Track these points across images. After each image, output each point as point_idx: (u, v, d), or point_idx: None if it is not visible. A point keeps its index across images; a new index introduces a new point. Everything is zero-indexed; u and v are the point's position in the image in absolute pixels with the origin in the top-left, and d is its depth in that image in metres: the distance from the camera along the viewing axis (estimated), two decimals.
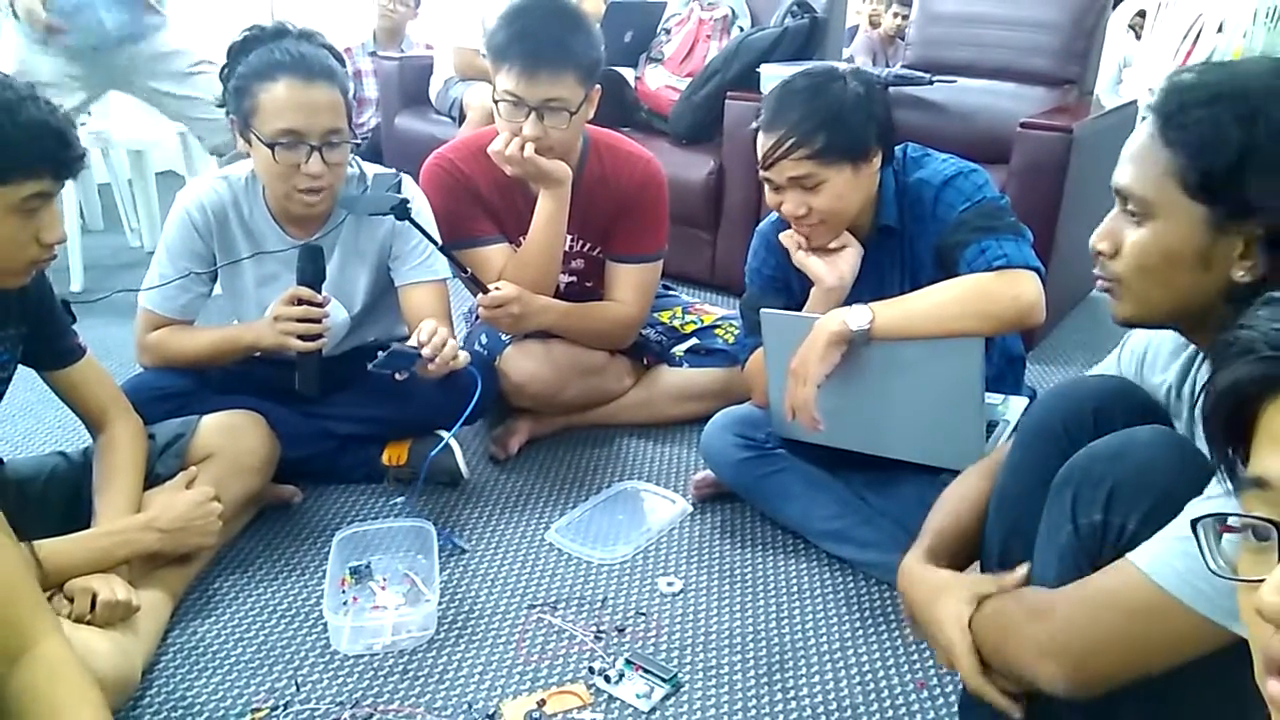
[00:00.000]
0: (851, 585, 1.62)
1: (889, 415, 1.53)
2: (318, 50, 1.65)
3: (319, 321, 1.67)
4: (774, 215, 1.70)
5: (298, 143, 1.61)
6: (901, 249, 1.60)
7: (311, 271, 1.69)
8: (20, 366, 1.48)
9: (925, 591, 1.08)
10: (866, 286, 1.60)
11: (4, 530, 1.04)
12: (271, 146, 1.61)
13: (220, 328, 1.82)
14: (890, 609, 1.55)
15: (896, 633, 1.50)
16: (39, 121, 1.21)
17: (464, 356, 1.65)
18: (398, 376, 1.61)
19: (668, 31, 3.29)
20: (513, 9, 1.84)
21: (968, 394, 1.46)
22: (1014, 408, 1.60)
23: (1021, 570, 1.01)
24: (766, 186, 1.57)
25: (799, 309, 1.65)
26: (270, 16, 1.70)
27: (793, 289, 1.70)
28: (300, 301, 1.67)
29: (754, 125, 1.56)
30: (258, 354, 1.76)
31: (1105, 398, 1.07)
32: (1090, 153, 2.55)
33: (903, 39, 3.75)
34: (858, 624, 1.52)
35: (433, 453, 1.77)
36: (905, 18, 5.52)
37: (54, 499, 1.53)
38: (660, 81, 3.21)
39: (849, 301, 1.55)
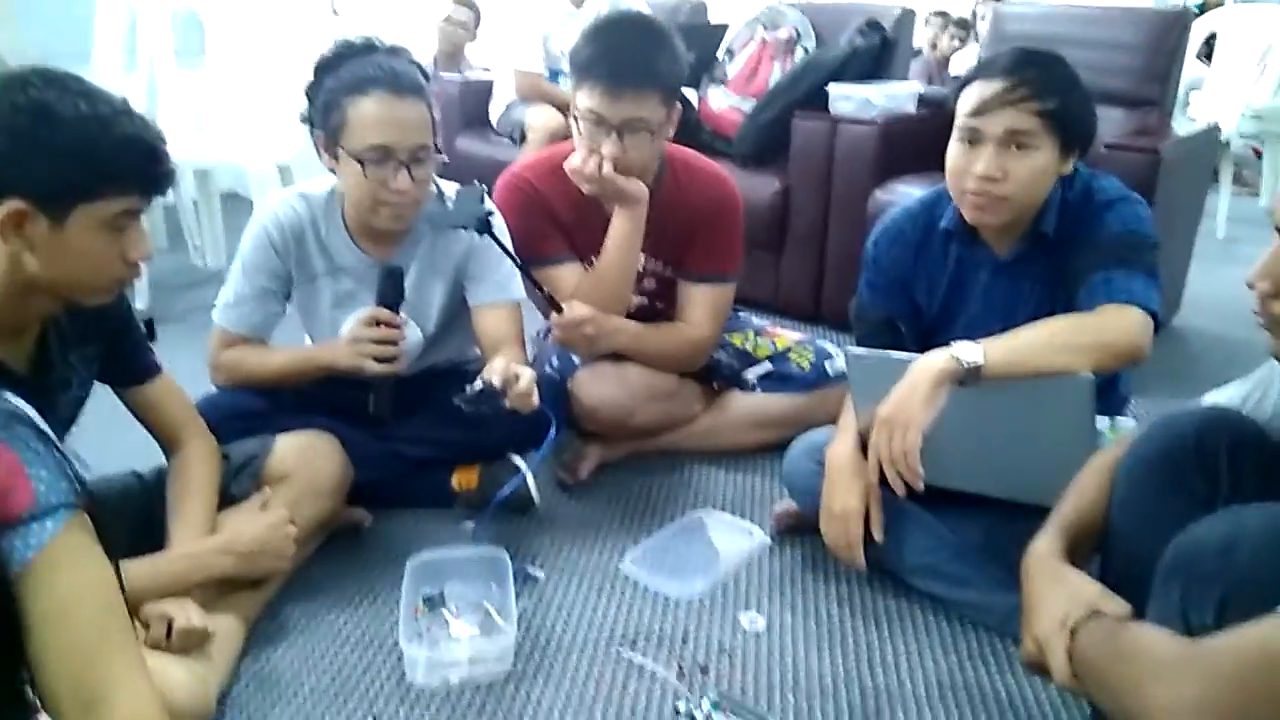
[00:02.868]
0: (946, 625, 1.54)
1: (991, 455, 1.45)
2: (407, 66, 1.64)
3: (396, 344, 1.64)
4: (905, 208, 1.64)
5: (387, 158, 1.59)
6: (1050, 263, 1.53)
7: (391, 293, 1.66)
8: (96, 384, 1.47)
9: (1043, 578, 1.06)
10: (1002, 298, 1.54)
11: (105, 561, 0.99)
12: (361, 162, 1.58)
13: (295, 347, 1.79)
14: (989, 653, 1.47)
15: (998, 679, 1.42)
16: (133, 137, 1.19)
17: (534, 395, 1.58)
18: (477, 409, 1.56)
19: (731, 53, 3.26)
20: (598, 24, 1.82)
21: (1078, 432, 1.37)
22: (1122, 429, 1.51)
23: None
24: (957, 143, 1.48)
25: (916, 313, 1.58)
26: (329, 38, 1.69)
27: (911, 289, 1.64)
28: (378, 323, 1.64)
29: (965, 76, 1.50)
30: (331, 375, 1.73)
31: (1208, 428, 1.06)
32: (1175, 175, 2.46)
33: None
34: (955, 667, 1.44)
35: (508, 490, 1.73)
36: (962, 40, 5.47)
37: (127, 519, 1.50)
38: (723, 103, 3.17)
39: (980, 321, 1.49)
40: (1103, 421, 1.53)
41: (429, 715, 1.33)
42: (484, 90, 3.73)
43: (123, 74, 3.12)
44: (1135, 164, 2.35)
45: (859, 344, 1.67)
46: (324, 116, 1.62)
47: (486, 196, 1.74)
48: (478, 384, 1.53)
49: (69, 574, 0.85)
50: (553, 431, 1.65)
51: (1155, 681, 0.85)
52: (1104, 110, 2.75)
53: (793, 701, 1.36)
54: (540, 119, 3.31)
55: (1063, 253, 1.51)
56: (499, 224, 1.77)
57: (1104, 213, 1.49)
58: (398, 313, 1.66)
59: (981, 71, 1.49)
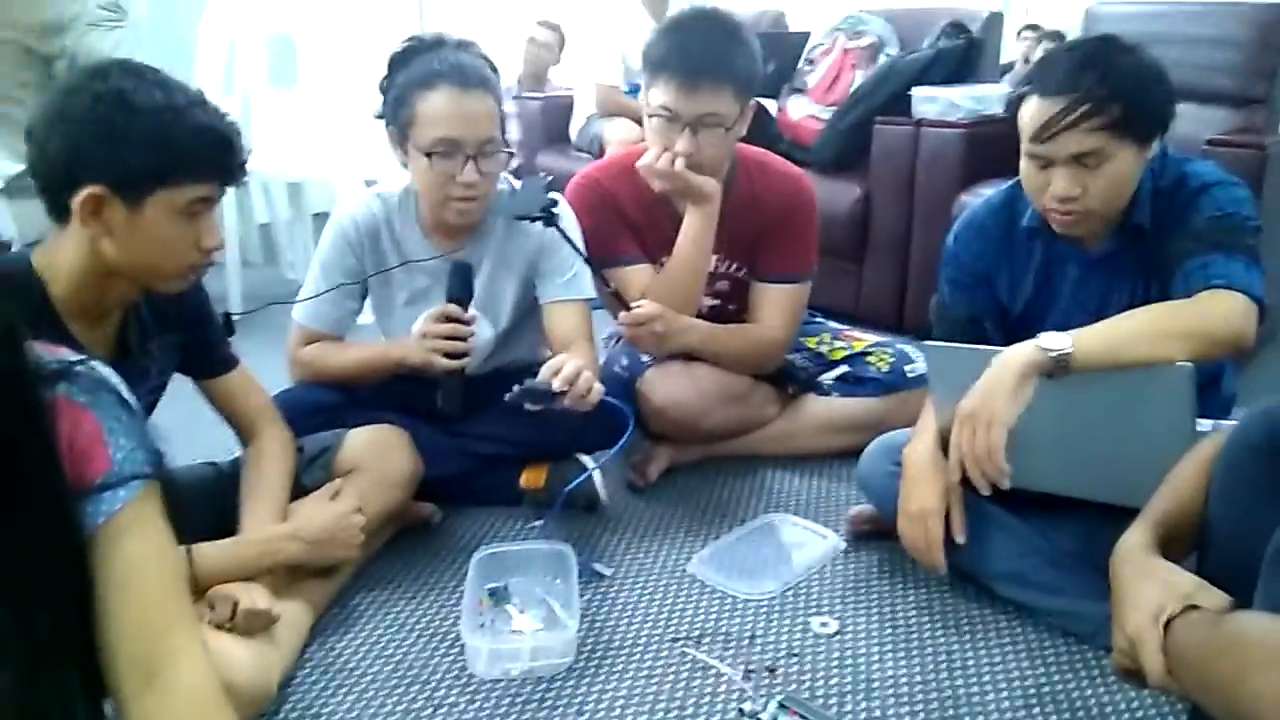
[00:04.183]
0: (1034, 635, 1.45)
1: (1083, 454, 1.37)
2: (475, 60, 1.66)
3: (465, 340, 1.64)
4: (986, 200, 1.58)
5: (454, 151, 1.60)
6: (1144, 255, 1.44)
7: (459, 288, 1.66)
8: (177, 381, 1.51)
9: (1133, 572, 0.98)
10: (1093, 293, 1.47)
11: (172, 536, 1.01)
12: (429, 155, 1.60)
13: (369, 343, 1.82)
14: (1081, 665, 1.38)
15: (1089, 689, 1.32)
16: (206, 126, 1.23)
17: (598, 391, 1.56)
18: (529, 407, 1.54)
19: (811, 62, 3.22)
20: (673, 20, 1.81)
21: (1178, 428, 1.27)
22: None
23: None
24: (1027, 163, 1.40)
25: (1000, 311, 1.52)
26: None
27: (994, 286, 1.57)
28: (447, 319, 1.64)
29: (1022, 90, 1.41)
30: (403, 372, 1.75)
31: None
32: None
33: None
34: (1043, 680, 1.35)
35: (574, 482, 1.70)
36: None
37: (203, 508, 1.52)
38: (803, 111, 3.13)
39: (1070, 318, 1.41)
40: (1205, 424, 1.43)
41: (489, 706, 1.31)
42: (565, 107, 3.78)
43: (221, 95, 3.26)
44: (1239, 161, 2.21)
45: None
46: (395, 111, 1.65)
47: (551, 188, 1.74)
48: (526, 382, 1.51)
49: (135, 544, 0.86)
50: (630, 427, 1.62)
51: (1264, 670, 0.77)
52: (1207, 110, 2.66)
53: (865, 706, 1.30)
54: (618, 133, 3.33)
55: (1157, 242, 1.42)
56: (568, 218, 1.77)
57: (1199, 197, 1.39)
58: (467, 309, 1.67)
59: (1037, 85, 1.38)
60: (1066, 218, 1.40)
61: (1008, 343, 1.43)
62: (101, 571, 0.85)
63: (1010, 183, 1.57)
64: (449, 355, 1.63)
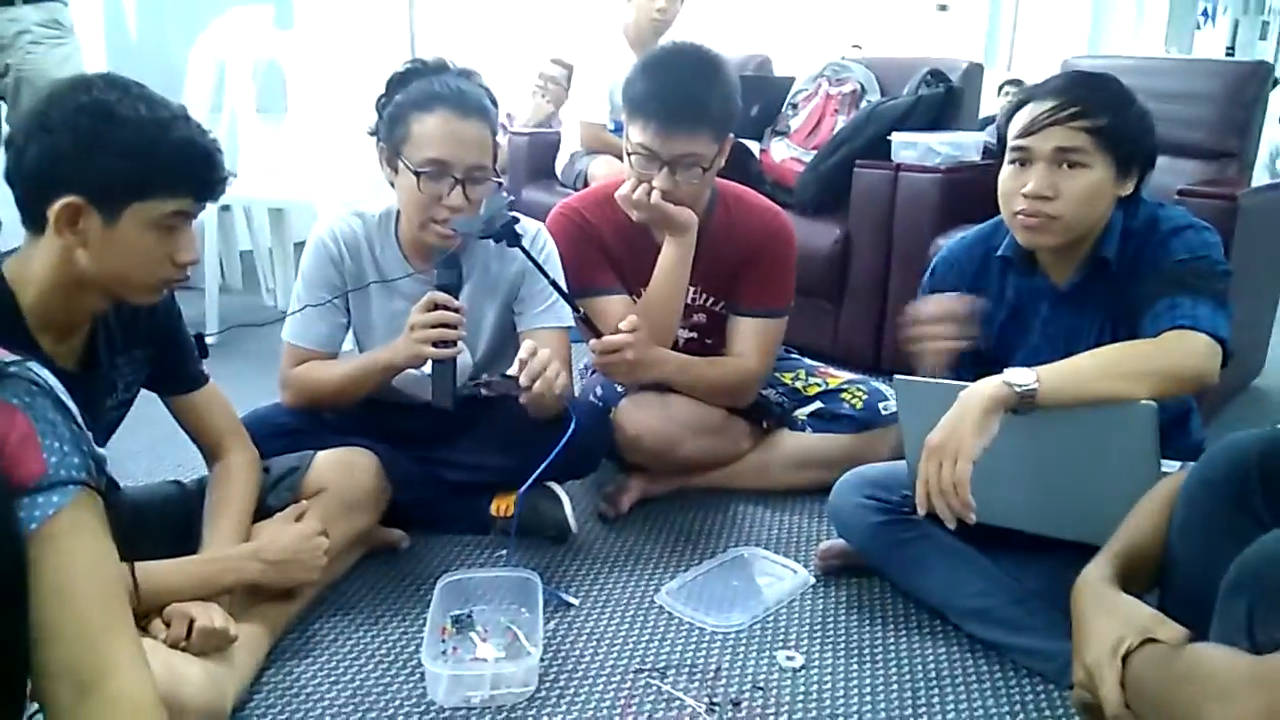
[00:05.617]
0: (999, 674, 1.44)
1: (1049, 491, 1.38)
2: (475, 88, 1.68)
3: (455, 328, 1.61)
4: (962, 237, 1.62)
5: (443, 173, 1.62)
6: (1112, 293, 1.47)
7: (448, 277, 1.65)
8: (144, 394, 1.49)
9: (1093, 605, 0.99)
10: (1061, 329, 1.48)
11: (111, 545, 0.99)
12: (418, 175, 1.61)
13: (357, 356, 1.78)
14: (1046, 705, 1.37)
15: None
16: (187, 141, 1.23)
17: (563, 380, 1.58)
18: (485, 392, 1.56)
19: (795, 106, 3.27)
20: (652, 59, 1.83)
21: (1142, 465, 1.28)
22: None
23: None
24: (1008, 165, 1.46)
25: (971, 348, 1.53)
26: None
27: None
28: (436, 307, 1.61)
29: (1016, 99, 1.48)
30: (376, 395, 1.73)
31: (1273, 450, 1.00)
32: (1256, 227, 2.36)
33: None
34: (1007, 715, 1.34)
35: (523, 489, 1.64)
36: None
37: (166, 526, 1.51)
38: (785, 154, 3.17)
39: (1039, 353, 1.43)
40: (1171, 465, 1.44)
41: None
42: (551, 143, 3.80)
43: (208, 120, 3.27)
44: (1211, 210, 2.24)
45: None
46: (389, 129, 1.66)
47: (537, 229, 1.75)
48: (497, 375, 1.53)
49: (70, 550, 0.84)
50: (573, 424, 1.59)
51: (1218, 701, 0.77)
52: (1179, 162, 2.71)
53: None
54: (603, 169, 3.35)
55: (1126, 282, 1.45)
56: (549, 249, 1.77)
57: (1170, 240, 1.42)
58: (456, 297, 1.64)
59: (1033, 94, 1.45)
60: (1033, 220, 1.42)
61: (978, 376, 1.44)
62: (35, 578, 0.82)
63: (990, 221, 1.60)
64: (439, 345, 1.61)
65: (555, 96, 4.27)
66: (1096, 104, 1.39)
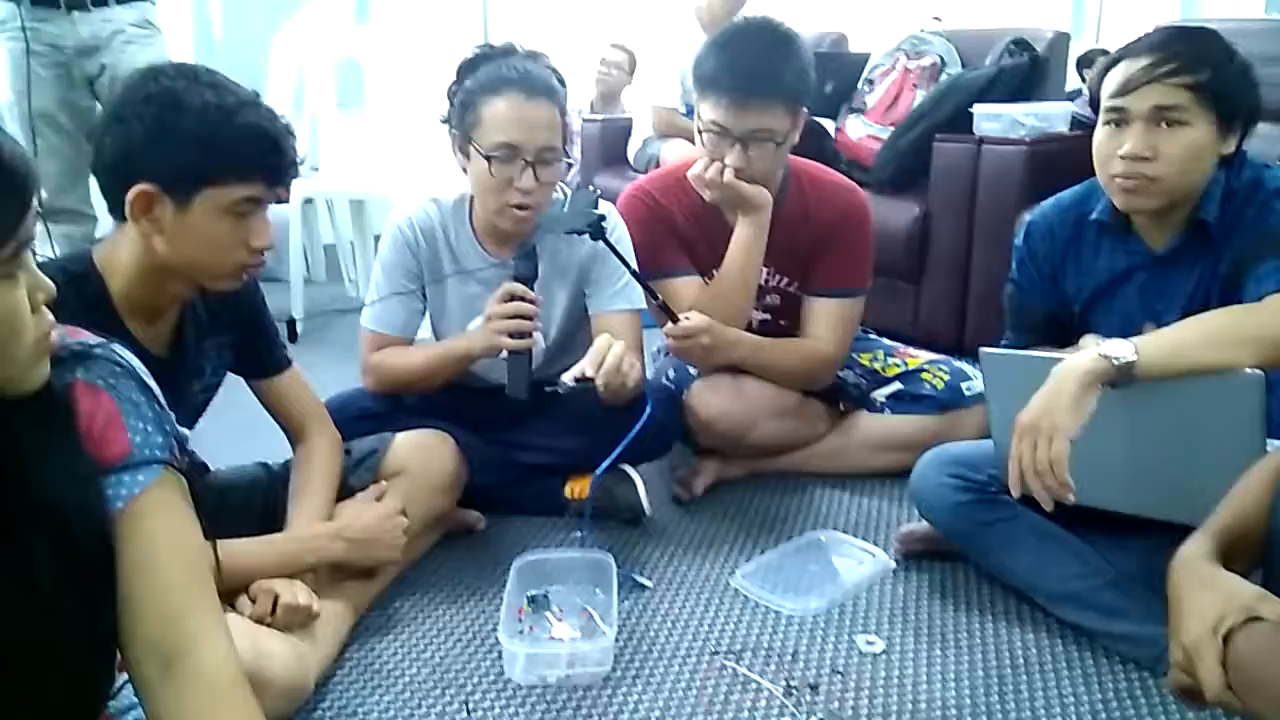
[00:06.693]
0: (1091, 660, 1.38)
1: (1147, 469, 1.30)
2: (543, 69, 1.68)
3: (531, 319, 1.63)
4: (1057, 200, 1.57)
5: (514, 156, 1.62)
6: (1208, 256, 1.40)
7: (525, 268, 1.66)
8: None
9: (1191, 582, 0.92)
10: (1156, 294, 1.42)
11: (195, 523, 1.02)
12: (489, 159, 1.62)
13: (434, 344, 1.81)
14: (1141, 693, 1.31)
15: (1148, 718, 1.25)
16: (255, 126, 1.24)
17: (636, 371, 1.58)
18: (561, 391, 1.57)
19: (871, 82, 3.19)
20: (724, 34, 1.81)
21: (1247, 440, 1.21)
22: None
23: None
24: (1103, 127, 1.39)
25: (1070, 314, 1.48)
26: None
27: (1062, 287, 1.54)
28: (512, 298, 1.63)
29: (1109, 58, 1.41)
30: (458, 380, 1.75)
31: None
32: None
33: None
34: (1100, 708, 1.28)
35: (599, 470, 1.63)
36: None
37: (253, 508, 1.55)
38: (861, 132, 3.10)
39: (1135, 320, 1.38)
40: (1275, 445, 1.36)
41: (524, 712, 1.29)
42: (623, 129, 3.80)
43: (291, 117, 3.36)
44: None
45: (1010, 337, 1.59)
46: (460, 116, 1.67)
47: (609, 210, 1.74)
48: (574, 371, 1.52)
49: (154, 528, 0.87)
50: (648, 410, 1.59)
51: None
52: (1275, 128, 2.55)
53: None
54: (675, 153, 3.33)
55: (1226, 245, 1.37)
56: (620, 231, 1.76)
57: (1275, 199, 1.34)
58: (532, 288, 1.66)
59: (1127, 52, 1.38)
60: (1131, 182, 1.35)
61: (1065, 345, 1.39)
62: (122, 555, 0.85)
63: (1085, 182, 1.54)
64: (515, 335, 1.62)
65: (617, 82, 4.26)
66: (1195, 58, 1.31)
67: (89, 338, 0.88)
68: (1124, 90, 1.34)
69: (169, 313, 1.37)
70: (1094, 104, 1.43)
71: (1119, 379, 1.22)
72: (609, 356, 1.53)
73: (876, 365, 2.04)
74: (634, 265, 1.72)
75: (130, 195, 1.20)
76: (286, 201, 3.01)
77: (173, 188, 1.21)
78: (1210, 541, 0.97)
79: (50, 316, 0.80)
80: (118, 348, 0.90)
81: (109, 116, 1.23)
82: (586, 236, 1.69)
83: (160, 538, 0.88)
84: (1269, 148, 2.35)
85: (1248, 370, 1.18)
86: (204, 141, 1.19)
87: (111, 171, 1.22)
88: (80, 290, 1.25)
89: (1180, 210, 1.39)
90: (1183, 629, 0.89)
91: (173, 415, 0.92)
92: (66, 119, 2.51)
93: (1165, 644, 1.18)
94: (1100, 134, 1.40)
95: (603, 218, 1.64)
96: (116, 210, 1.25)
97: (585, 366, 1.54)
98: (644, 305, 1.82)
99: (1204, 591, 0.89)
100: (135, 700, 0.90)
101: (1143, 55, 1.34)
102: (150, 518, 0.87)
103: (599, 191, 1.71)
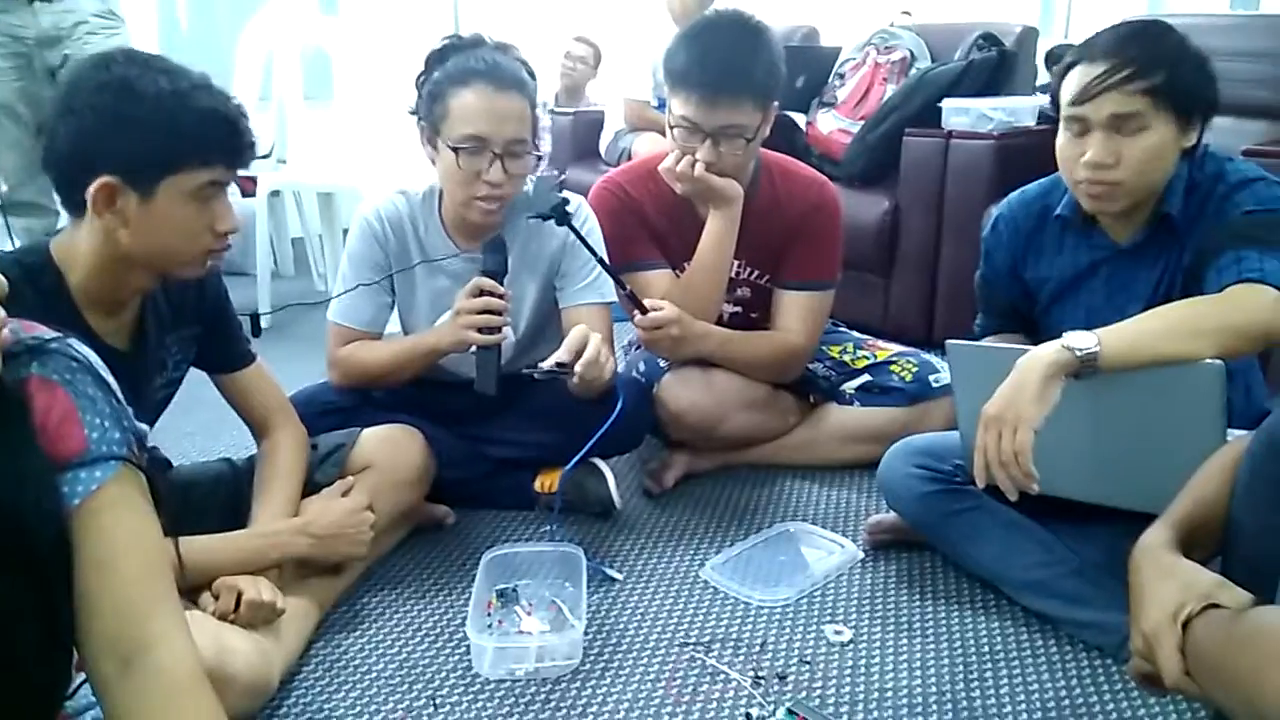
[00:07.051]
0: (1055, 647, 1.40)
1: (1111, 459, 1.32)
2: (512, 61, 1.67)
3: (500, 314, 1.62)
4: (1023, 192, 1.59)
5: (482, 148, 1.61)
6: (1172, 248, 1.41)
7: (494, 262, 1.65)
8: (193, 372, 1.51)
9: (1152, 570, 0.94)
10: (1119, 287, 1.43)
11: (154, 519, 1.00)
12: (457, 151, 1.61)
13: (402, 338, 1.80)
14: (1104, 679, 1.32)
15: (1110, 704, 1.27)
16: (212, 110, 1.22)
17: (611, 364, 1.58)
18: (537, 376, 1.55)
19: (841, 76, 3.20)
20: (695, 28, 1.80)
21: (1207, 429, 1.22)
22: None
23: None
24: (1064, 132, 1.40)
25: (1031, 305, 1.50)
26: None
27: (1024, 277, 1.57)
28: (481, 293, 1.62)
29: (1066, 61, 1.41)
30: (424, 374, 1.74)
31: None
32: None
33: None
34: (1064, 694, 1.30)
35: (568, 467, 1.64)
36: None
37: (217, 503, 1.53)
38: (832, 126, 3.11)
39: (1099, 313, 1.38)
40: (1234, 435, 1.38)
41: (492, 706, 1.28)
42: (595, 122, 3.79)
43: (257, 109, 3.32)
44: (1277, 172, 2.16)
45: (982, 321, 1.62)
46: (428, 107, 1.65)
47: (580, 203, 1.74)
48: (549, 361, 1.52)
49: (112, 524, 0.85)
50: (620, 404, 1.60)
51: (1262, 668, 0.73)
52: (1244, 122, 2.59)
53: (876, 716, 1.26)
54: (646, 146, 3.33)
55: (1189, 237, 1.39)
56: (590, 223, 1.76)
57: (1237, 192, 1.35)
58: (501, 283, 1.65)
59: (1082, 55, 1.38)
60: (1096, 188, 1.37)
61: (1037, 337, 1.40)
62: (78, 552, 0.83)
63: (1049, 177, 1.55)
64: (484, 330, 1.61)
65: (582, 75, 4.26)
66: (1150, 60, 1.31)
67: (44, 332, 0.86)
68: (1081, 99, 1.35)
69: (130, 305, 1.34)
70: (1055, 104, 1.44)
71: (1082, 370, 1.23)
72: (588, 347, 1.53)
73: (846, 358, 2.05)
74: (604, 255, 1.72)
75: (92, 189, 1.17)
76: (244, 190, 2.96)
77: (135, 178, 1.18)
78: (1170, 530, 0.99)
79: (2, 311, 0.78)
80: (74, 342, 0.88)
81: (60, 108, 1.20)
82: (556, 229, 1.69)
83: (118, 534, 0.86)
84: (1237, 140, 2.39)
85: (1208, 360, 1.20)
86: (164, 128, 1.17)
87: (67, 164, 1.20)
88: (37, 283, 1.23)
89: (1144, 206, 1.41)
90: (1143, 616, 0.91)
91: (131, 410, 0.91)
92: (26, 110, 2.47)
93: (1127, 631, 1.21)
94: (1062, 139, 1.40)
95: (566, 201, 1.63)
96: (73, 204, 1.22)
97: (562, 354, 1.53)
98: (615, 298, 1.81)
99: (1164, 580, 0.91)
100: (93, 700, 0.89)
101: (1098, 60, 1.34)
102: (107, 514, 0.85)
103: (562, 176, 1.70)
